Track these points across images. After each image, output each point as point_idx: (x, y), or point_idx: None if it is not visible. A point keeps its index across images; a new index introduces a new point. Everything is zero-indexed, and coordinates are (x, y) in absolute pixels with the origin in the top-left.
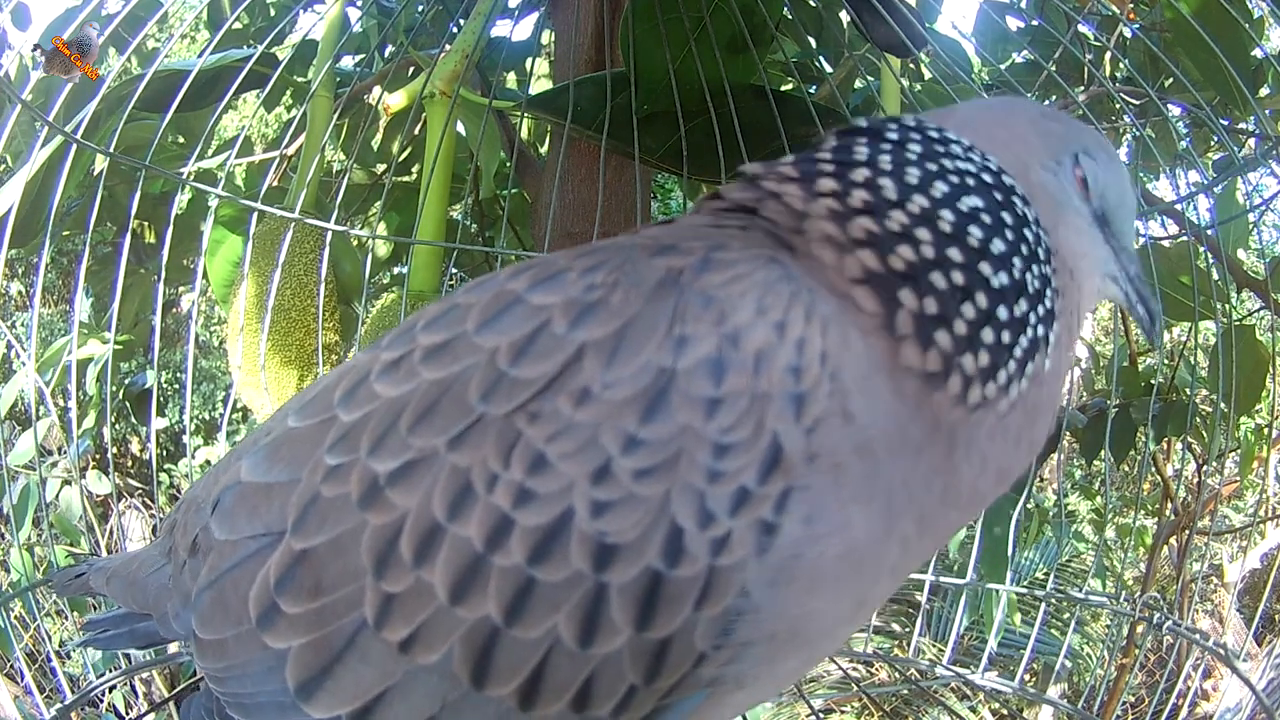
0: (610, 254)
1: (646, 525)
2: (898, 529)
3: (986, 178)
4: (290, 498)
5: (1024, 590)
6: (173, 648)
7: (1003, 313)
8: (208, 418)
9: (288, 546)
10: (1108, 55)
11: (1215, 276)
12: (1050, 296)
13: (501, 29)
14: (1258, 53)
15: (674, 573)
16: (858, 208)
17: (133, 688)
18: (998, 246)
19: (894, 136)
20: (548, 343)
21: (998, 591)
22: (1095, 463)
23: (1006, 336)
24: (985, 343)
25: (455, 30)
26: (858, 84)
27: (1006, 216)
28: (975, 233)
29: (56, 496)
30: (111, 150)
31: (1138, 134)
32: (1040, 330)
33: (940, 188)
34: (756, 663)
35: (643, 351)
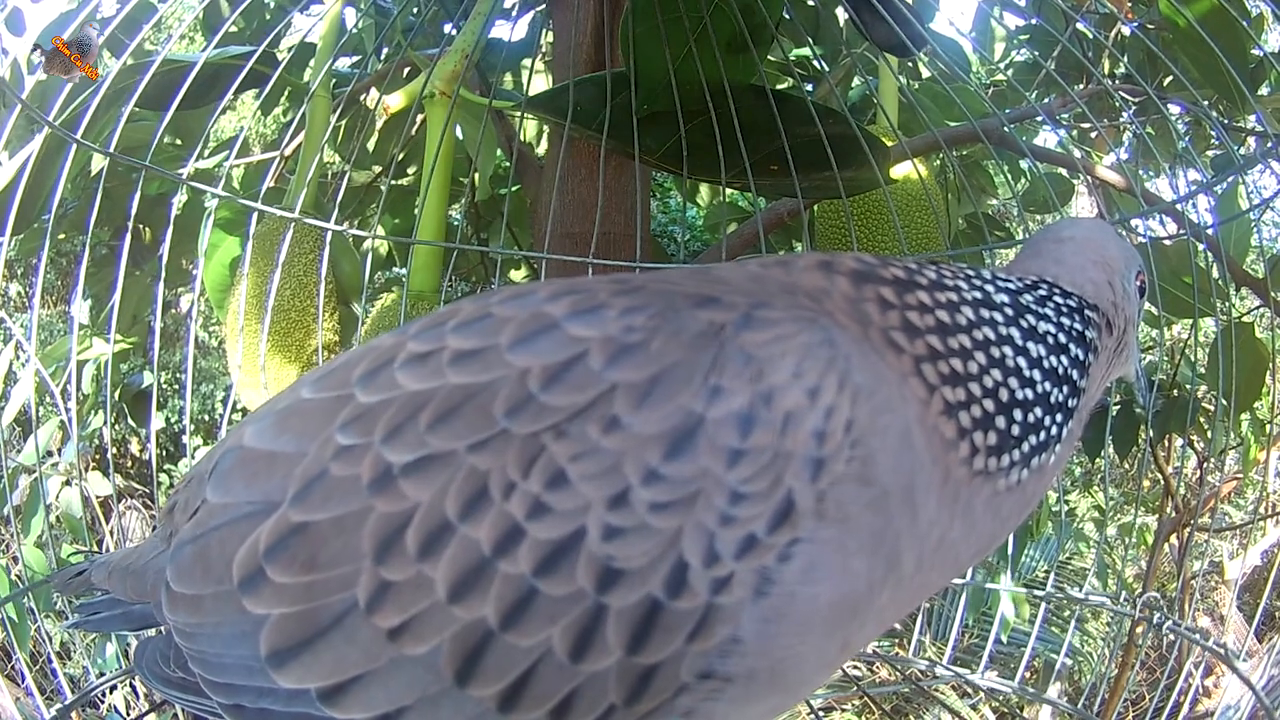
0: (652, 298)
1: (654, 556)
2: (892, 575)
3: (1062, 339)
4: (294, 469)
5: (1024, 589)
6: None
7: (1019, 414)
8: (207, 418)
9: (285, 516)
10: (1106, 53)
11: (1215, 275)
12: (1066, 416)
13: (501, 30)
14: (1256, 51)
15: (673, 604)
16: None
17: (133, 688)
18: (1036, 376)
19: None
20: (582, 375)
21: (998, 590)
22: (1096, 460)
23: (1017, 430)
24: (998, 427)
25: (454, 31)
26: (856, 83)
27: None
28: (1021, 363)
29: (57, 497)
30: (110, 150)
31: (1137, 132)
32: (1054, 432)
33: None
34: (731, 702)
35: (676, 397)
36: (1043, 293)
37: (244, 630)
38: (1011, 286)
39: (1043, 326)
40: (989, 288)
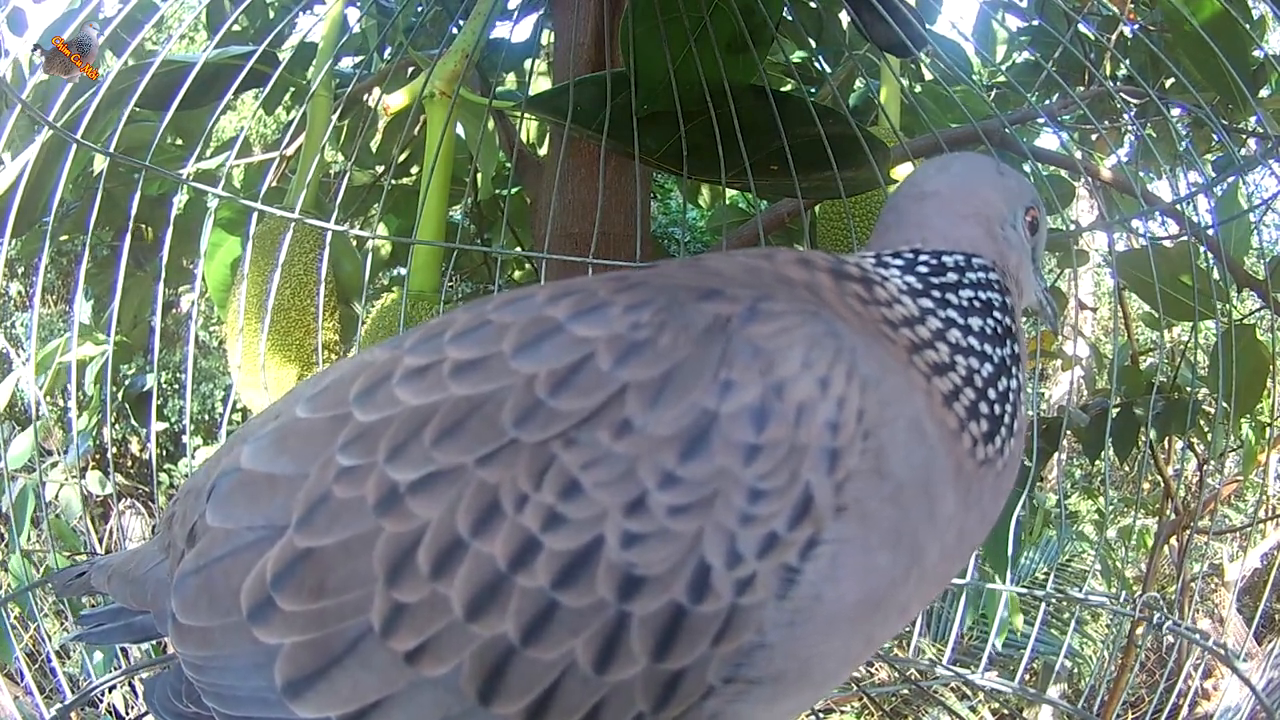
0: (654, 292)
1: (675, 560)
2: (915, 568)
3: (984, 296)
4: (296, 492)
5: (1024, 590)
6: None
7: (992, 393)
8: (207, 418)
9: (290, 542)
10: (1108, 55)
11: (1216, 276)
12: (1018, 366)
13: (502, 30)
14: (1258, 53)
15: (697, 608)
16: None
17: (132, 688)
18: (987, 349)
19: (947, 279)
20: (590, 378)
21: (998, 591)
22: (1096, 462)
23: (997, 409)
24: (984, 413)
25: (455, 31)
26: (858, 84)
27: (995, 324)
28: (975, 345)
29: (56, 497)
30: (111, 151)
31: (1138, 134)
32: (1015, 387)
33: (955, 317)
34: (758, 702)
35: (688, 394)
36: (936, 263)
37: (257, 661)
38: (906, 264)
39: (964, 296)
40: (907, 278)
